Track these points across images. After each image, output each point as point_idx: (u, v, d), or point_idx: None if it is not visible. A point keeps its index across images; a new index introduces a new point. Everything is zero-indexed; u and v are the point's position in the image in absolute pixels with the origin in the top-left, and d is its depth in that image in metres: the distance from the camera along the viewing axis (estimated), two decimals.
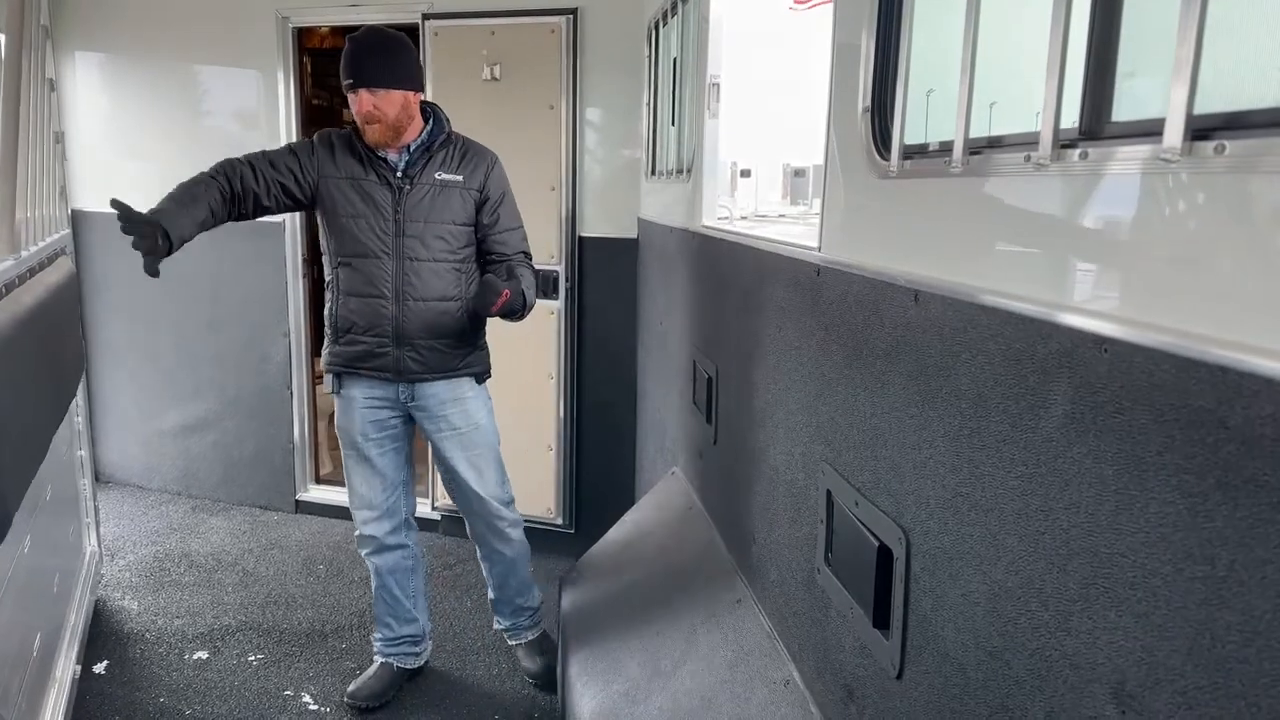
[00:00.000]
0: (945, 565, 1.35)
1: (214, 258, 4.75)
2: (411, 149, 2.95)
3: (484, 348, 3.18)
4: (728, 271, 2.68)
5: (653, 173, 3.97)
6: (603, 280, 4.37)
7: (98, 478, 4.83)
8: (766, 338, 2.26)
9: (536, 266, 4.29)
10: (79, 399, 3.77)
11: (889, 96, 1.57)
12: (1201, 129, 0.88)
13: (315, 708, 3.27)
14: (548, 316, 4.39)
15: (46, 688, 2.84)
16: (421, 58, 4.29)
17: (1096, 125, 1.07)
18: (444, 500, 4.33)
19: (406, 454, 3.21)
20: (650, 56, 3.96)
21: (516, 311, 2.91)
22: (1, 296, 2.21)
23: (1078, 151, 1.07)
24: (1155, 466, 0.91)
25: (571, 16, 4.11)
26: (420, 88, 2.97)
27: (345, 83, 2.86)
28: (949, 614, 1.33)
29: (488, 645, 3.69)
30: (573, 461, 4.53)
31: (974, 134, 1.31)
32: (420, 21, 4.26)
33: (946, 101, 1.44)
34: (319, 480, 5.11)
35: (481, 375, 3.16)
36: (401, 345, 2.97)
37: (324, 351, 3.12)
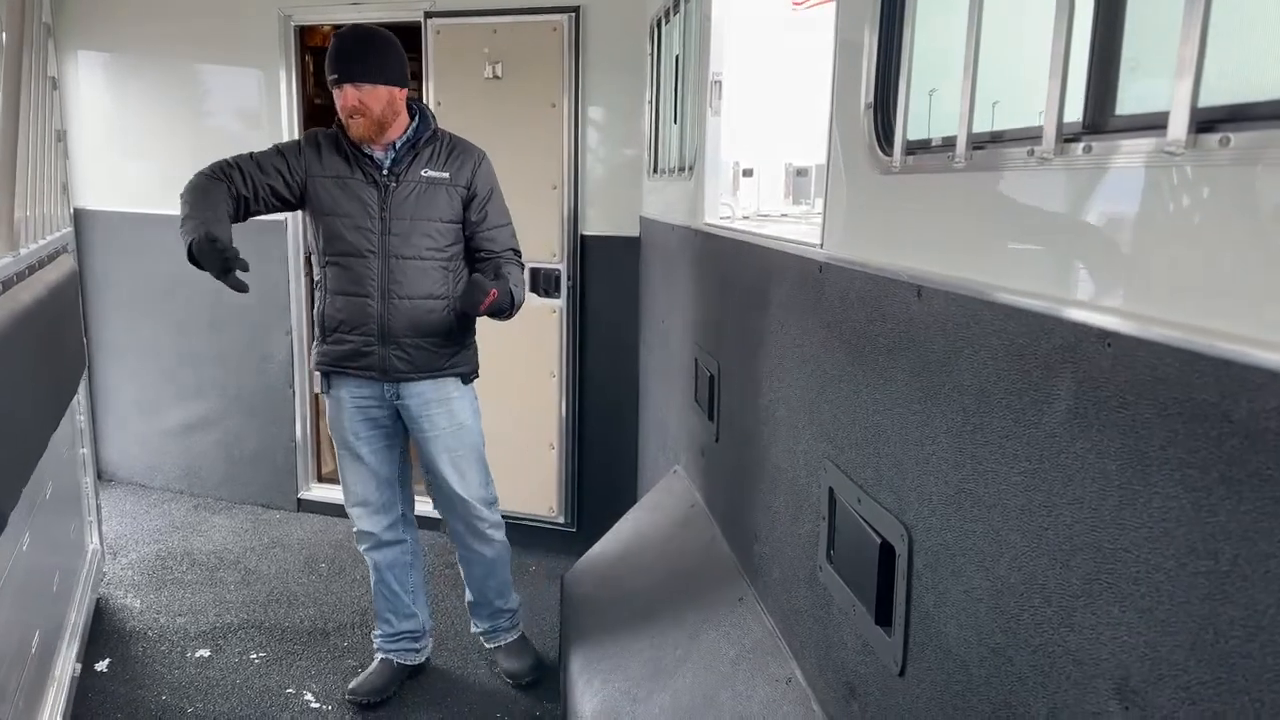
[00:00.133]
0: (948, 562, 1.34)
1: None
2: (397, 146, 2.94)
3: (471, 347, 3.16)
4: (730, 269, 2.67)
5: (655, 171, 3.97)
6: (604, 279, 4.36)
7: (100, 476, 4.84)
8: (769, 335, 2.25)
9: (539, 265, 4.34)
10: (81, 397, 3.78)
11: (891, 92, 1.57)
12: (1206, 121, 0.88)
13: (317, 706, 3.27)
14: (550, 315, 4.39)
15: (46, 686, 2.84)
16: (423, 56, 4.30)
17: (1100, 119, 1.07)
18: None
19: (400, 451, 3.20)
20: (652, 54, 3.95)
21: (504, 311, 2.89)
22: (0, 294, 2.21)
23: (1081, 145, 1.06)
24: (1159, 461, 0.91)
25: (573, 15, 4.11)
26: (405, 84, 2.94)
27: (330, 78, 2.85)
28: (951, 611, 1.33)
29: None
30: (574, 460, 4.52)
31: (975, 130, 1.31)
32: (422, 20, 4.26)
33: (948, 97, 1.44)
34: (321, 479, 5.11)
35: (468, 375, 3.14)
36: (387, 344, 2.96)
37: (313, 350, 3.13)
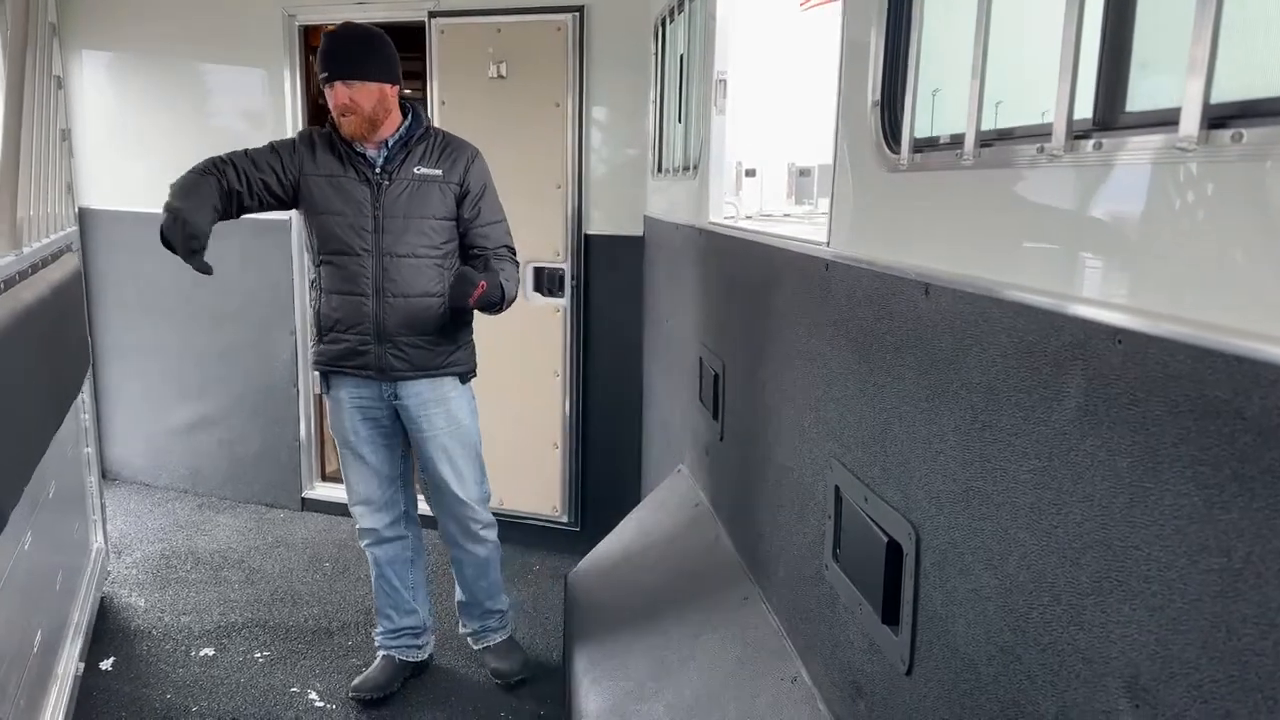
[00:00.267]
0: (956, 560, 1.34)
1: (220, 255, 4.71)
2: (390, 144, 2.94)
3: (469, 346, 3.15)
4: (735, 268, 2.67)
5: (659, 170, 3.96)
6: (608, 278, 4.36)
7: (105, 475, 4.84)
8: (774, 334, 2.25)
9: (543, 265, 4.34)
10: (85, 396, 3.78)
11: (899, 90, 1.56)
12: (1218, 117, 0.88)
13: (321, 704, 3.27)
14: (553, 314, 4.39)
15: (48, 685, 2.83)
16: (428, 56, 4.30)
17: (1110, 115, 1.07)
18: None
19: (401, 449, 3.20)
20: (656, 53, 3.95)
21: (495, 304, 2.87)
22: (1, 293, 2.21)
23: (1091, 142, 1.06)
24: (1170, 458, 0.90)
25: (578, 14, 4.10)
26: (397, 81, 2.94)
27: (321, 76, 2.87)
28: (959, 609, 1.33)
29: None
30: (578, 459, 4.52)
31: (981, 127, 1.31)
32: (427, 19, 4.26)
33: (955, 95, 1.44)
34: (325, 478, 5.12)
35: (466, 375, 3.14)
36: (383, 342, 2.96)
37: (311, 349, 3.13)
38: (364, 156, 2.93)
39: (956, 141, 1.36)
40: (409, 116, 2.99)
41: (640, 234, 4.26)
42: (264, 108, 4.73)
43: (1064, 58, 1.09)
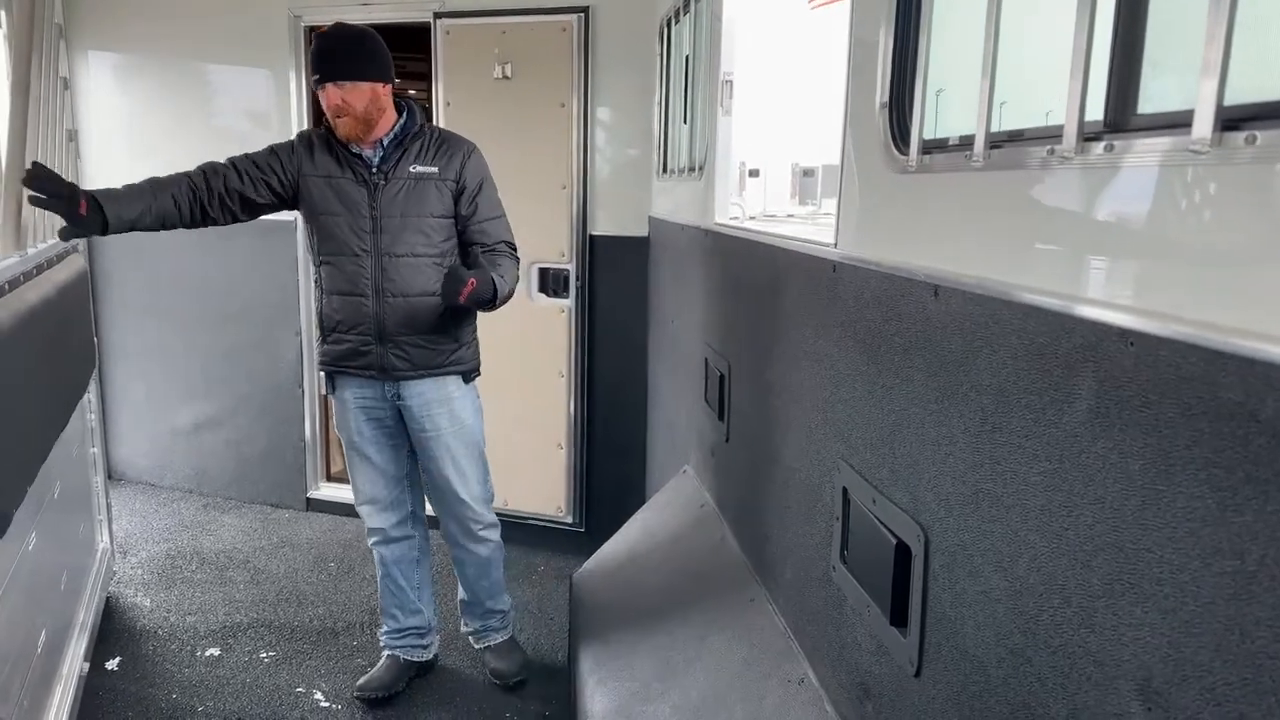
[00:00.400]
0: (965, 562, 1.34)
1: (226, 256, 4.77)
2: (385, 144, 2.93)
3: (472, 345, 3.14)
4: (741, 269, 2.67)
5: (664, 171, 3.96)
6: (613, 279, 4.36)
7: (110, 475, 4.86)
8: (781, 335, 2.25)
9: (548, 265, 4.34)
10: (91, 396, 3.79)
11: (907, 91, 1.56)
12: (1231, 119, 0.87)
13: (327, 705, 3.27)
14: (558, 315, 4.39)
15: (52, 685, 2.84)
16: (433, 56, 4.31)
17: (1122, 117, 1.06)
18: None
19: (407, 449, 3.20)
20: (662, 54, 3.95)
21: (487, 301, 2.83)
22: (4, 294, 2.21)
23: (1102, 144, 1.06)
24: (1183, 460, 0.90)
25: (583, 15, 4.11)
26: (389, 80, 2.92)
27: (313, 79, 2.87)
28: (969, 611, 1.33)
29: None
30: (583, 460, 4.52)
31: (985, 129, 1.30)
32: (432, 20, 4.27)
33: (962, 96, 1.44)
34: (330, 478, 5.12)
35: (469, 374, 3.13)
36: (384, 342, 2.96)
37: (316, 350, 3.14)
38: (360, 157, 2.92)
39: (966, 143, 1.36)
40: (404, 115, 2.98)
41: (645, 235, 4.26)
42: (269, 108, 4.74)
43: (1075, 59, 1.09)
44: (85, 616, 3.39)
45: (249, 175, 2.88)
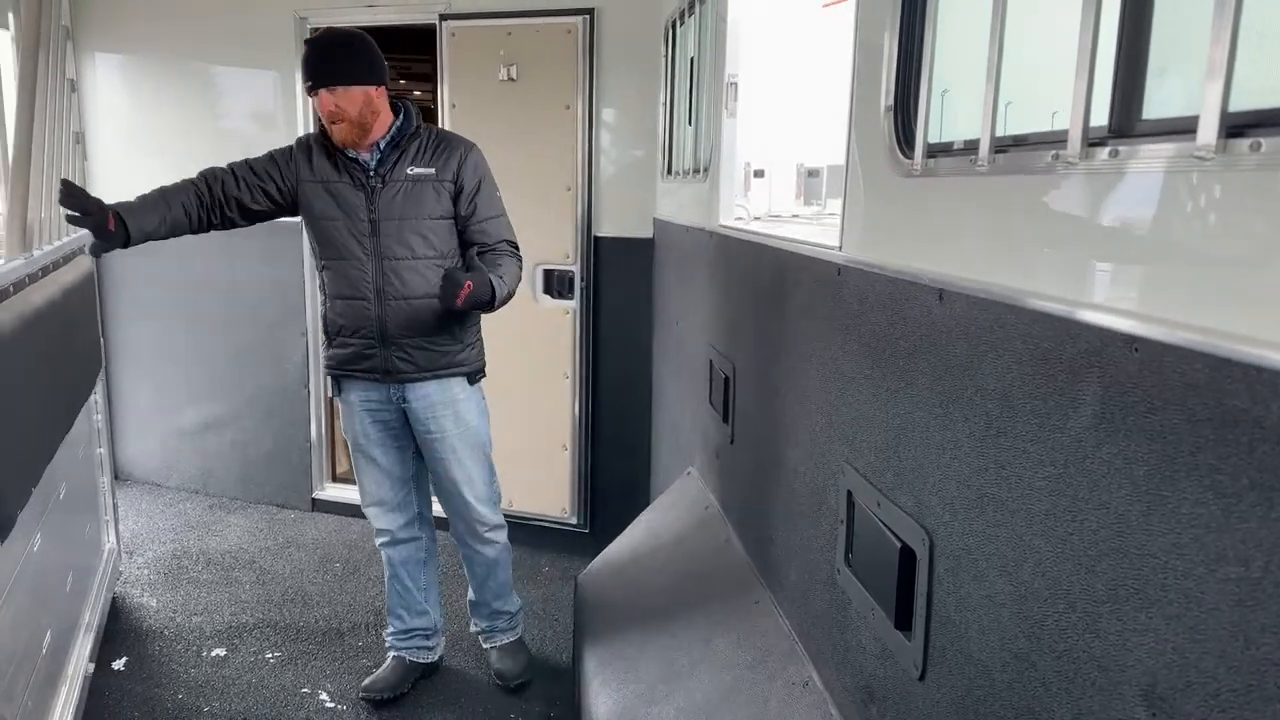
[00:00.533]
0: (969, 566, 1.34)
1: (232, 257, 4.79)
2: (382, 146, 2.92)
3: (476, 346, 3.13)
4: (746, 271, 2.67)
5: (669, 173, 3.97)
6: (618, 280, 4.37)
7: (117, 475, 4.87)
8: (786, 337, 2.25)
9: (552, 267, 4.34)
10: (98, 396, 3.80)
11: (912, 95, 1.56)
12: (1236, 126, 0.87)
13: (332, 705, 3.28)
14: (563, 316, 4.39)
15: (57, 685, 2.84)
16: (438, 58, 4.32)
17: (1127, 123, 1.07)
18: None
19: (413, 451, 3.20)
20: (667, 56, 3.96)
21: (485, 303, 2.80)
22: (9, 296, 2.22)
23: (1107, 150, 1.06)
24: (1188, 467, 0.90)
25: (588, 16, 4.11)
26: (382, 82, 2.90)
27: (305, 85, 2.86)
28: (973, 615, 1.33)
29: None
30: (587, 461, 4.53)
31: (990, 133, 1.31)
32: (438, 22, 4.27)
33: (966, 100, 1.44)
34: (335, 479, 5.14)
35: (474, 375, 3.11)
36: (387, 345, 2.96)
37: (322, 354, 3.15)
38: (357, 161, 2.91)
39: (971, 147, 1.36)
40: (400, 116, 2.96)
41: (650, 236, 4.26)
42: (275, 109, 4.76)
43: (1080, 64, 1.09)
44: (91, 617, 3.41)
45: (246, 183, 2.89)
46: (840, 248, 1.87)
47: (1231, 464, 0.85)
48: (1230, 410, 0.85)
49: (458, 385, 3.07)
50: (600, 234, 4.34)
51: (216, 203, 2.86)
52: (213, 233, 2.97)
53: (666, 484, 3.71)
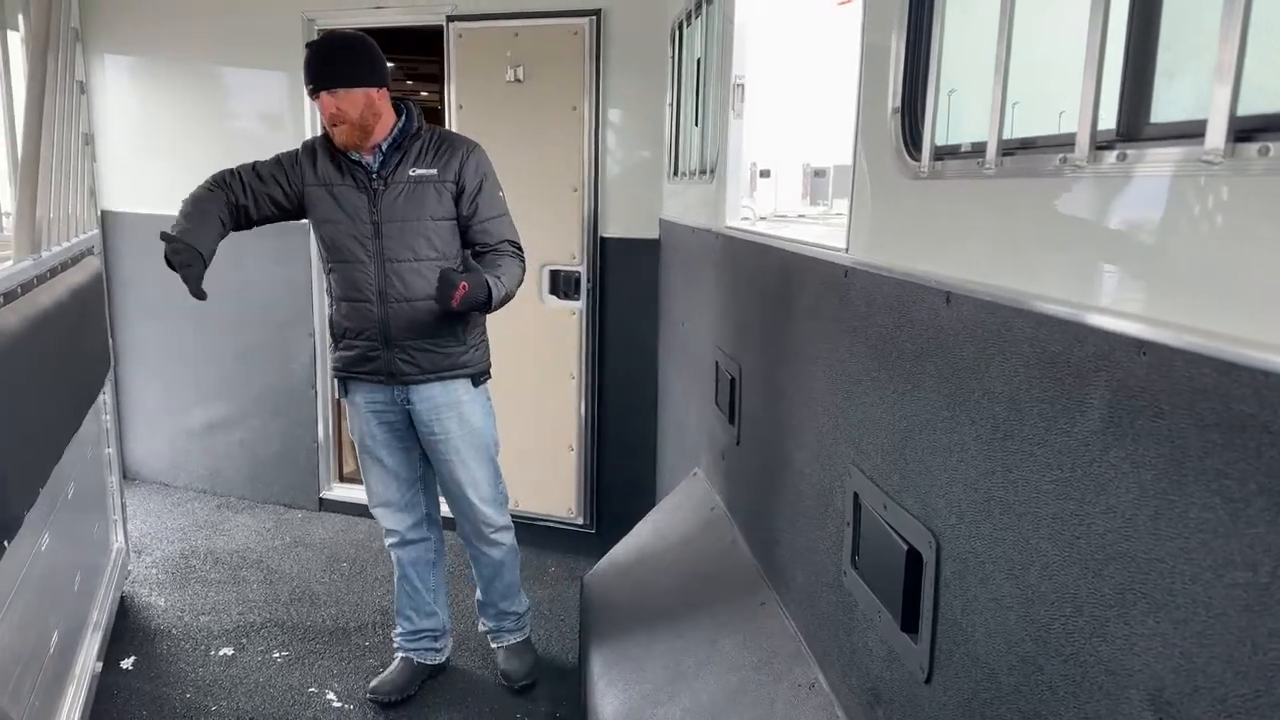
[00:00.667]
0: (976, 569, 1.34)
1: (239, 258, 4.78)
2: (384, 148, 2.92)
3: (481, 347, 3.12)
4: (752, 273, 2.67)
5: (675, 174, 3.97)
6: (624, 281, 4.37)
7: (125, 475, 4.89)
8: (792, 339, 2.25)
9: (559, 267, 4.35)
10: (106, 396, 3.82)
11: (919, 97, 1.56)
12: (1245, 130, 0.87)
13: (339, 705, 3.29)
14: (569, 317, 4.40)
15: (65, 684, 2.85)
16: (445, 59, 4.32)
17: (1134, 127, 1.06)
18: None
19: (420, 452, 3.20)
20: (673, 57, 3.96)
21: (482, 303, 2.77)
22: (18, 297, 2.23)
23: (1115, 153, 1.06)
24: (1196, 471, 0.90)
25: (594, 18, 4.11)
26: (384, 83, 2.90)
27: (307, 89, 2.87)
28: (980, 618, 1.33)
29: None
30: (593, 462, 4.53)
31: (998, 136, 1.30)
32: (444, 23, 4.28)
33: (973, 102, 1.44)
34: (342, 478, 5.15)
35: (479, 377, 3.10)
36: (390, 347, 2.96)
37: (330, 354, 3.16)
38: (360, 163, 2.92)
39: (978, 150, 1.36)
40: (403, 117, 2.96)
41: (656, 237, 4.26)
42: (283, 110, 4.78)
43: (1088, 67, 1.09)
44: (99, 616, 3.42)
45: (253, 189, 2.91)
46: (847, 249, 1.87)
47: (1239, 469, 0.85)
48: (1238, 415, 0.85)
49: (461, 387, 3.07)
50: (606, 235, 4.34)
51: (235, 210, 2.89)
52: None
53: (672, 485, 3.71)
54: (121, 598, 3.93)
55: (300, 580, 4.27)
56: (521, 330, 4.20)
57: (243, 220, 2.93)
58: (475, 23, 4.25)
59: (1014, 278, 1.26)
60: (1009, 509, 1.24)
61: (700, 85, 3.51)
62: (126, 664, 3.51)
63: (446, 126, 4.21)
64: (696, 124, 3.58)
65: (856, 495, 1.78)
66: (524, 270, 3.04)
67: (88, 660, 3.13)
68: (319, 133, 4.35)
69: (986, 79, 1.32)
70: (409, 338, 2.95)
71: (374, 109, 2.85)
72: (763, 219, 3.27)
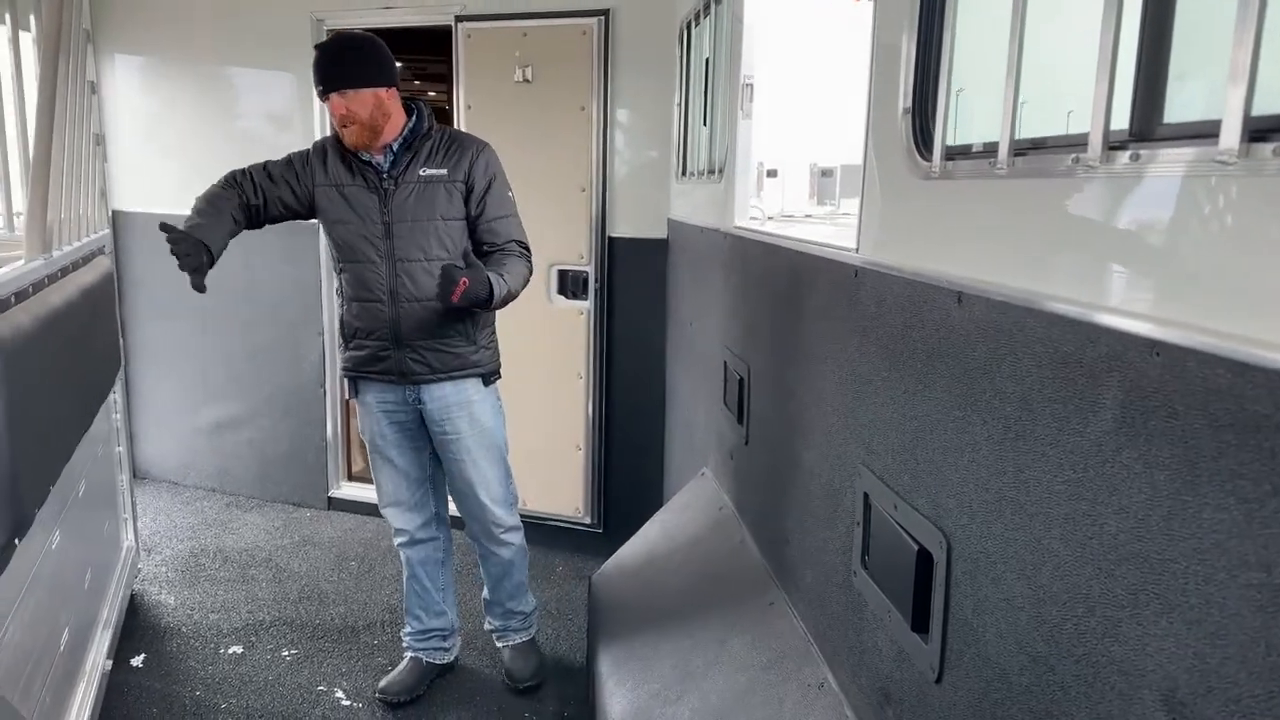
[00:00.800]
0: (987, 569, 1.34)
1: (249, 258, 4.81)
2: (394, 148, 2.92)
3: (491, 347, 3.13)
4: (761, 272, 2.67)
5: (683, 174, 3.97)
6: (632, 281, 4.37)
7: (135, 473, 4.91)
8: (802, 339, 2.25)
9: (566, 267, 4.35)
10: (117, 395, 3.84)
11: (930, 97, 1.56)
12: (1259, 131, 0.87)
13: (348, 703, 3.30)
14: (577, 317, 4.40)
15: (75, 681, 2.87)
16: (454, 60, 4.33)
17: (1148, 127, 1.06)
18: None
19: (430, 452, 3.21)
20: (682, 57, 3.96)
21: (483, 300, 2.77)
22: (29, 296, 2.24)
23: (1128, 153, 1.06)
24: (1209, 472, 0.90)
25: (603, 18, 4.12)
26: (393, 83, 2.90)
27: (317, 90, 2.88)
28: (991, 619, 1.33)
29: None
30: (601, 461, 4.54)
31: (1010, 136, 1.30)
32: (453, 24, 4.29)
33: (980, 102, 1.44)
34: (351, 477, 5.17)
35: (489, 377, 3.11)
36: (401, 347, 2.97)
37: (339, 355, 3.17)
38: (370, 164, 2.93)
39: (990, 150, 1.36)
40: (413, 117, 2.97)
41: (664, 237, 4.26)
42: (292, 110, 4.79)
43: (1101, 67, 1.08)
44: (109, 614, 3.44)
45: (264, 190, 2.93)
46: (857, 249, 1.87)
47: (1254, 469, 0.85)
48: (1253, 416, 0.85)
49: (472, 386, 3.07)
50: (614, 235, 4.35)
51: (241, 208, 2.91)
52: None
53: (680, 484, 3.71)
54: (131, 595, 3.95)
55: (309, 579, 4.28)
56: (529, 330, 4.21)
57: (254, 219, 2.96)
58: (484, 23, 4.26)
59: (1026, 278, 1.26)
60: (1021, 509, 1.24)
61: (709, 85, 3.51)
62: (136, 661, 3.53)
63: (454, 126, 4.22)
64: (705, 124, 3.58)
65: (866, 495, 1.78)
66: (530, 270, 3.04)
67: (98, 658, 3.14)
68: (328, 133, 4.36)
69: (994, 79, 1.32)
70: (420, 337, 2.96)
71: (383, 109, 2.86)
72: (770, 219, 3.27)
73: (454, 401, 3.05)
